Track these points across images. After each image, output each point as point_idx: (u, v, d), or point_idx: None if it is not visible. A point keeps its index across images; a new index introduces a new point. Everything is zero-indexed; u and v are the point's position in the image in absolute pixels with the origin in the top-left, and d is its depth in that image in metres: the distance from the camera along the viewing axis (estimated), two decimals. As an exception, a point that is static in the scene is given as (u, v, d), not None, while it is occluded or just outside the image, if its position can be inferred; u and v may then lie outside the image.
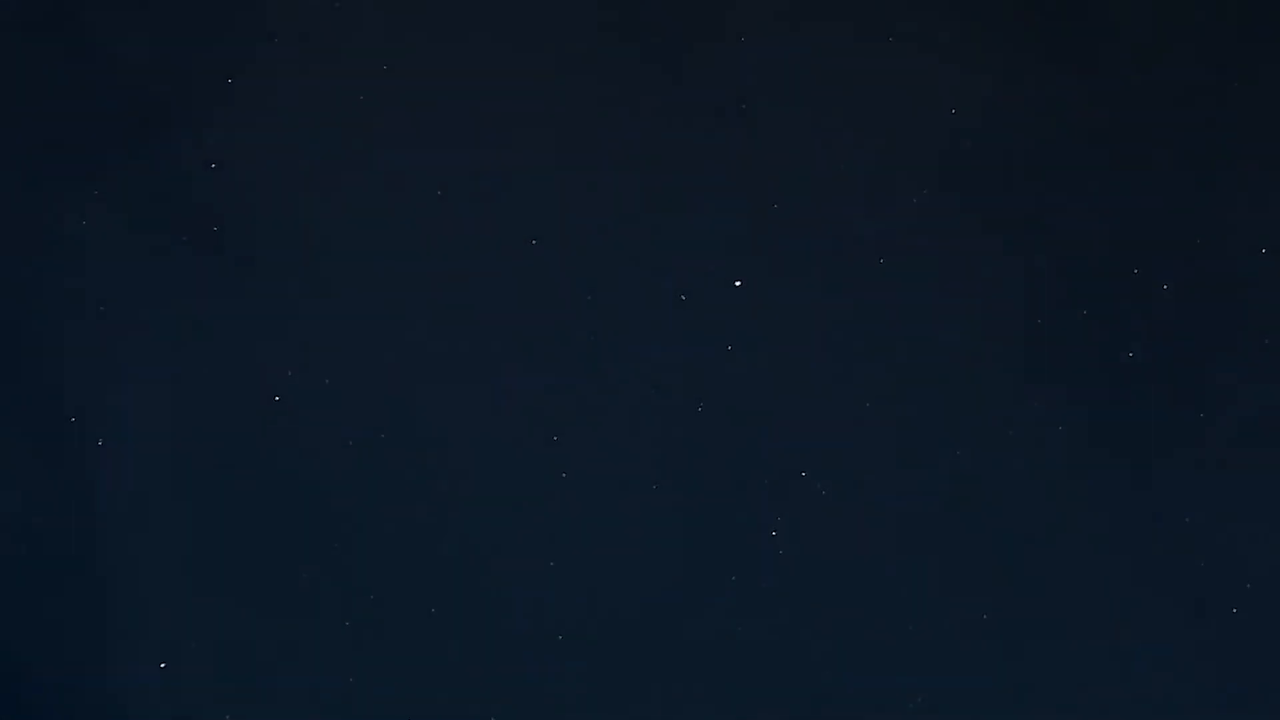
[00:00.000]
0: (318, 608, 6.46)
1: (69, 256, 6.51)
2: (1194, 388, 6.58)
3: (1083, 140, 6.66)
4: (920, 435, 6.60)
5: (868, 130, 6.66)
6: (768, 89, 6.65)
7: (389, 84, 6.59)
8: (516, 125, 6.62)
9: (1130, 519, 6.54)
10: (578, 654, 6.51)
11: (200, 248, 6.53)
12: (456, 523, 6.54)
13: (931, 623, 6.54)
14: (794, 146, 6.65)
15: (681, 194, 6.65)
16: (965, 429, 6.62)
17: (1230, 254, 6.61)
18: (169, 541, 6.44)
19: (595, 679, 6.51)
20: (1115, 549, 6.51)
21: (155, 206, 6.54)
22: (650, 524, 6.57)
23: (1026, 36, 6.68)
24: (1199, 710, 6.47)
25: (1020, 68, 6.67)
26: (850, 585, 6.57)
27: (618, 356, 6.60)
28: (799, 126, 6.65)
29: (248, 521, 6.46)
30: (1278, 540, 6.50)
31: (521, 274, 6.59)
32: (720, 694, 6.53)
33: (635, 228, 6.63)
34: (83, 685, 6.38)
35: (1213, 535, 6.53)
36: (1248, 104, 6.64)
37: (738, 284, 6.63)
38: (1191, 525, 6.53)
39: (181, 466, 6.45)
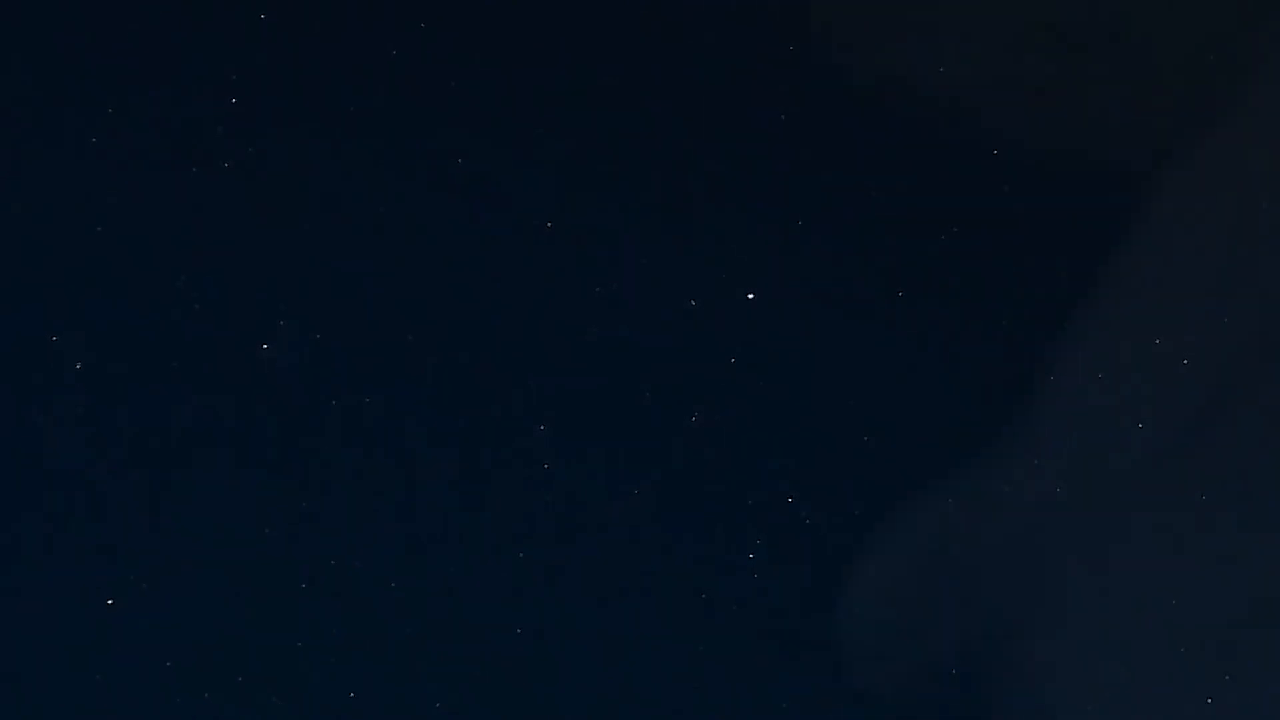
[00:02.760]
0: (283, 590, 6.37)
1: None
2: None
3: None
4: (915, 477, 6.50)
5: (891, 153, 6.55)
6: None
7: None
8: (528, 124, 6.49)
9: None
10: (545, 653, 6.43)
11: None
12: (434, 512, 6.42)
13: (905, 650, 6.46)
14: (818, 164, 6.53)
15: (706, 201, 6.51)
16: (961, 469, 6.50)
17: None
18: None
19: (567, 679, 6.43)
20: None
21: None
22: (630, 527, 6.45)
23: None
24: None
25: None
26: (824, 612, 6.47)
27: (617, 353, 6.47)
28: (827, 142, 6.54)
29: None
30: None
31: (529, 267, 6.46)
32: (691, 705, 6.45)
33: (653, 228, 6.51)
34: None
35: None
36: None
37: (750, 296, 6.48)
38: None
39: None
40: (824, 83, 6.54)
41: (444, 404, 6.45)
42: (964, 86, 6.53)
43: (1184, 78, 6.55)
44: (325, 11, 6.43)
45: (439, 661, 6.38)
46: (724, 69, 6.51)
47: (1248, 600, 6.50)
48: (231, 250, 6.38)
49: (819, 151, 6.54)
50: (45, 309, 6.31)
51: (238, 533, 6.33)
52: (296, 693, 6.31)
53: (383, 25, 6.45)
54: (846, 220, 6.54)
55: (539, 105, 6.47)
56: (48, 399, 6.30)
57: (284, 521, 6.35)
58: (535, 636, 6.41)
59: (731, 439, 6.48)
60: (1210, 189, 6.54)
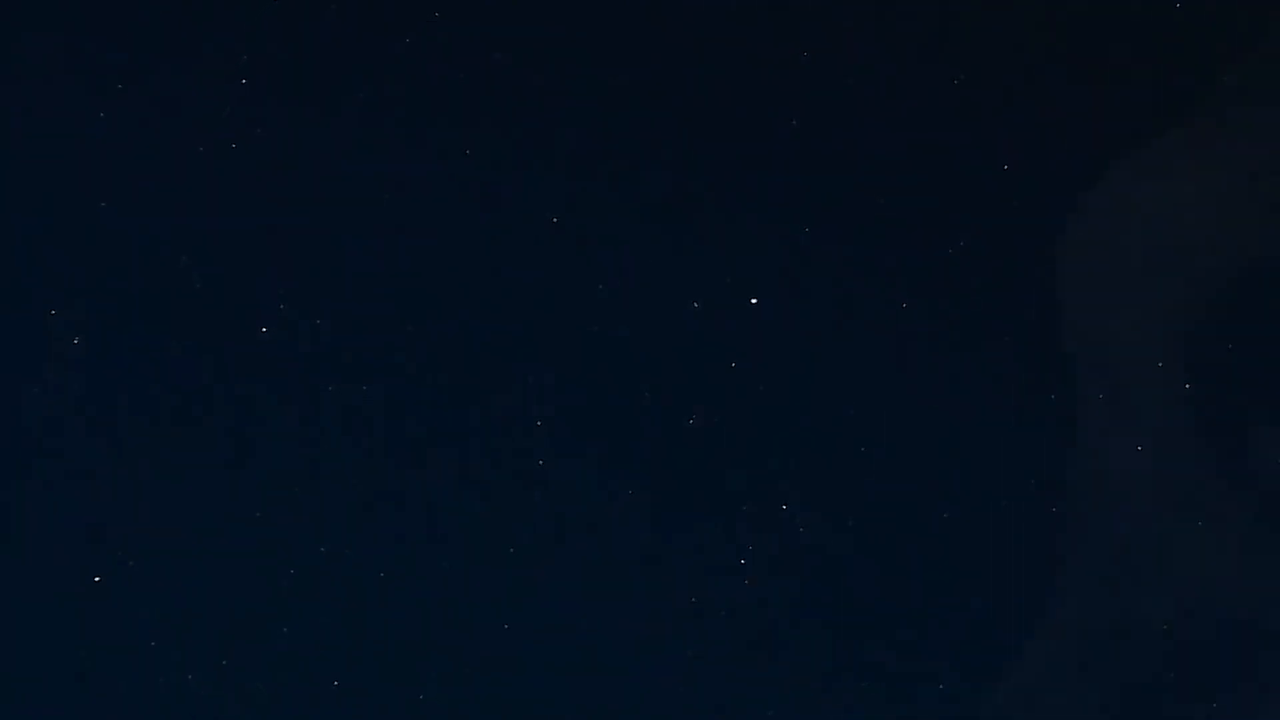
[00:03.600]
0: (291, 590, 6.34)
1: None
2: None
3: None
4: (915, 491, 6.47)
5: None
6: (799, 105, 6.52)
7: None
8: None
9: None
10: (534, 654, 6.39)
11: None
12: (428, 505, 6.39)
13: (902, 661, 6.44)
14: (825, 170, 6.51)
15: (712, 204, 6.50)
16: (959, 482, 6.48)
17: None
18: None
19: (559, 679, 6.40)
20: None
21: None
22: (624, 526, 6.42)
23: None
24: None
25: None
26: (813, 624, 6.44)
27: (617, 353, 6.45)
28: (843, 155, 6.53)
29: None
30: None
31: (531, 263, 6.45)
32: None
33: (658, 229, 6.49)
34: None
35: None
36: None
37: (754, 301, 6.46)
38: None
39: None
40: (832, 87, 6.53)
41: (441, 398, 6.43)
42: (973, 94, 6.53)
43: (1194, 87, 6.55)
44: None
45: (425, 654, 6.36)
46: (734, 72, 6.50)
47: (1245, 620, 6.48)
48: (234, 233, 6.37)
49: (826, 158, 6.52)
50: (46, 286, 6.31)
51: (228, 517, 6.32)
52: (280, 679, 6.29)
53: (393, 15, 6.46)
54: (852, 228, 6.52)
55: (547, 101, 6.47)
56: (45, 376, 6.29)
57: (275, 507, 6.32)
58: (524, 633, 6.38)
59: (729, 443, 6.46)
60: (1218, 200, 6.54)
